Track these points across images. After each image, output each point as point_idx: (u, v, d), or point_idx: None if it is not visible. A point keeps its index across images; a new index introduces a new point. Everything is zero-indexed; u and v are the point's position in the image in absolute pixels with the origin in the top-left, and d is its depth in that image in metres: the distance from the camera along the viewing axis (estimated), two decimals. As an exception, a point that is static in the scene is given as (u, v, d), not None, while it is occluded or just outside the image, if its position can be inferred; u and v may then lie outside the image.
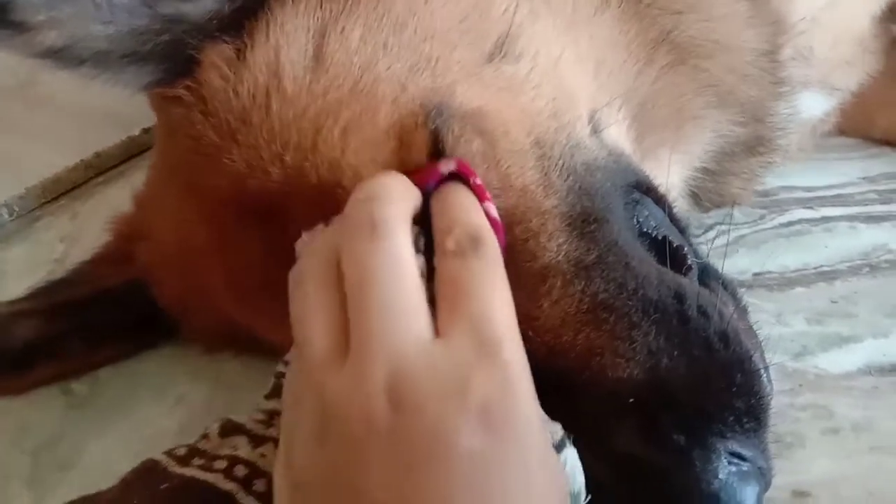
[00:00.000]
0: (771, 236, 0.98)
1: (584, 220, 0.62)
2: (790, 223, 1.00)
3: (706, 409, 0.54)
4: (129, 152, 1.04)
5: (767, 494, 0.65)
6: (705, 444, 0.52)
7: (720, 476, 0.52)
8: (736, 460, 0.53)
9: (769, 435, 0.64)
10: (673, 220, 0.72)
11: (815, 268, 0.92)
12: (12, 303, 0.76)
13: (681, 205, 0.93)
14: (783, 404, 0.74)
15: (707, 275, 0.69)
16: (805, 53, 1.01)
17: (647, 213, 0.68)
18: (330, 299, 0.46)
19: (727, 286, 0.69)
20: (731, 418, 0.54)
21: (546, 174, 0.63)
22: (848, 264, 0.92)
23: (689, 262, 0.66)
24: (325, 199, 0.58)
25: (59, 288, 0.77)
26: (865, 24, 1.07)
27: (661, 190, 0.74)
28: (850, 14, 1.03)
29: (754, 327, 0.68)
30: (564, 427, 0.55)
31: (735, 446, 0.53)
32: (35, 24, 0.54)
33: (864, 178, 1.10)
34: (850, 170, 1.11)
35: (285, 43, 0.60)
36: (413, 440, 0.40)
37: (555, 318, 0.57)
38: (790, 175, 1.08)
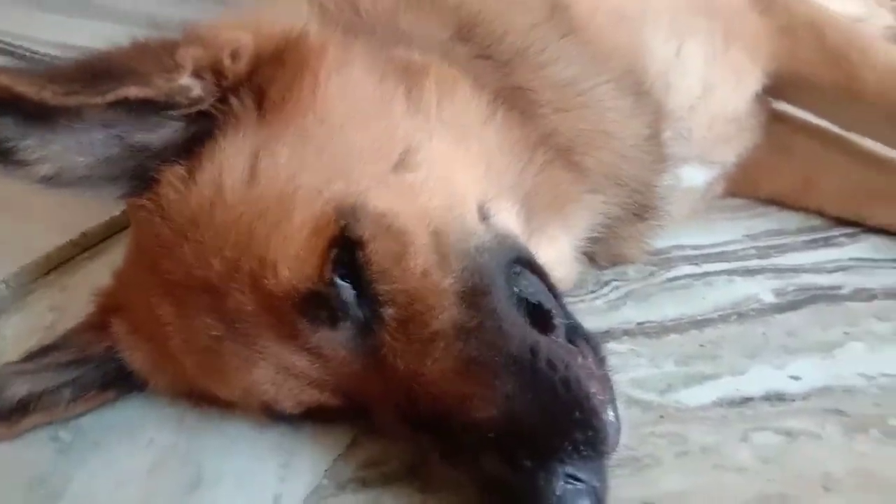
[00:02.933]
0: (657, 290, 1.15)
1: (473, 294, 0.79)
2: (676, 278, 1.17)
3: (549, 441, 0.71)
4: (111, 230, 1.21)
5: (622, 505, 0.81)
6: (547, 467, 0.69)
7: (557, 492, 0.69)
8: (572, 480, 0.70)
9: (619, 459, 0.81)
10: (549, 287, 0.88)
11: (690, 317, 1.09)
12: (8, 364, 0.91)
13: (574, 268, 1.10)
14: (646, 433, 0.91)
15: (574, 332, 0.85)
16: (685, 135, 1.18)
17: (525, 282, 0.85)
18: None
19: (590, 341, 0.85)
20: (570, 447, 0.70)
21: (445, 258, 0.80)
22: (720, 313, 1.09)
23: (556, 322, 0.82)
24: (256, 286, 0.76)
25: (49, 352, 0.92)
26: (740, 107, 1.25)
27: (540, 263, 0.90)
28: (723, 101, 1.21)
29: (609, 373, 0.83)
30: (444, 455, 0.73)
31: (571, 469, 0.70)
32: (32, 160, 0.73)
33: (747, 236, 1.28)
34: (735, 228, 1.29)
35: (227, 164, 0.78)
36: None
37: (436, 373, 0.74)
38: (681, 235, 1.25)
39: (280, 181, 0.77)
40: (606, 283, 1.16)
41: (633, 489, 0.83)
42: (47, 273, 1.16)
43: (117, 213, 1.22)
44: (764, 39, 1.23)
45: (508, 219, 0.91)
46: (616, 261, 1.17)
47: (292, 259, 0.75)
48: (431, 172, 0.84)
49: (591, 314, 1.09)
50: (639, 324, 1.08)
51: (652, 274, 1.18)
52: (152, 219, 0.80)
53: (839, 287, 1.13)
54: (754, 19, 1.24)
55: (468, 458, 0.72)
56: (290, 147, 0.78)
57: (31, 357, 0.92)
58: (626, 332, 1.06)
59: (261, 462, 0.87)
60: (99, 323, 0.93)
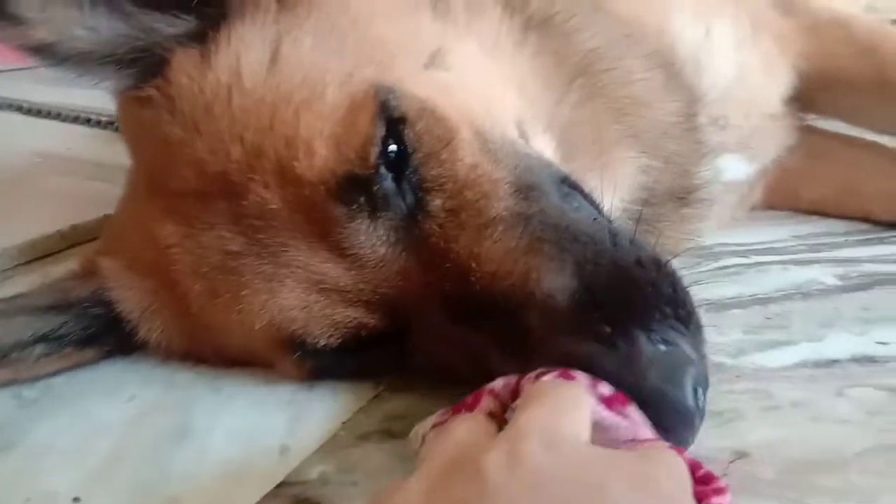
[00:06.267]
0: (707, 277, 1.03)
1: (529, 188, 0.69)
2: (725, 267, 1.06)
3: (634, 304, 0.59)
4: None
5: (706, 455, 0.66)
6: (632, 331, 0.56)
7: (647, 354, 0.55)
8: (662, 343, 0.56)
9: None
10: (600, 211, 0.78)
11: (750, 295, 0.97)
12: None
13: None
14: (723, 391, 0.76)
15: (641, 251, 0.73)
16: (721, 122, 1.12)
17: (577, 204, 0.74)
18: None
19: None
20: (659, 316, 0.58)
21: (494, 154, 0.71)
22: (782, 292, 0.98)
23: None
24: (282, 174, 0.65)
25: (23, 297, 0.79)
26: (774, 102, 1.20)
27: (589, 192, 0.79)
28: (757, 90, 1.16)
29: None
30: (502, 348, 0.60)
31: (671, 335, 0.57)
32: (29, 20, 0.65)
33: (794, 237, 1.18)
34: (780, 231, 1.20)
35: (244, 49, 0.69)
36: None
37: (497, 251, 0.63)
38: (724, 235, 1.15)
39: (305, 65, 0.68)
40: (649, 272, 1.04)
41: (720, 440, 0.68)
42: (30, 262, 1.04)
43: (111, 212, 1.12)
44: (790, 39, 1.20)
45: (545, 149, 0.82)
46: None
47: (329, 137, 0.64)
48: (465, 76, 0.76)
49: (638, 296, 0.97)
50: (694, 302, 0.95)
51: (698, 264, 1.07)
52: (159, 116, 0.69)
53: (907, 274, 1.03)
54: (778, 18, 1.22)
55: (534, 346, 0.58)
56: (313, 34, 0.70)
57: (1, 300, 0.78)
58: (681, 308, 0.93)
59: (264, 416, 0.72)
60: (83, 270, 0.80)
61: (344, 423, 0.71)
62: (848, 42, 1.19)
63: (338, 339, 0.68)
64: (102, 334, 0.78)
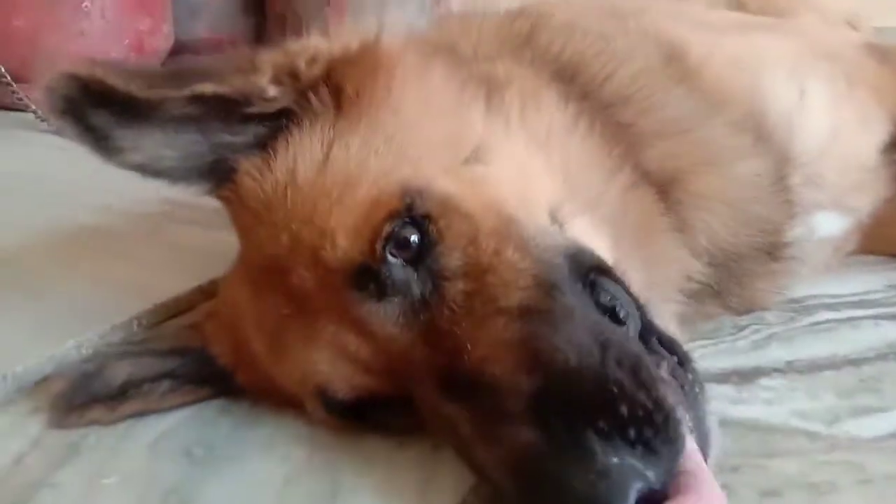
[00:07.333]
0: (800, 333, 1.09)
1: (551, 286, 0.76)
2: (818, 322, 1.11)
3: (591, 412, 0.64)
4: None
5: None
6: (580, 441, 0.63)
7: (598, 466, 0.62)
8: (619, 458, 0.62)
9: (791, 483, 0.76)
10: (629, 293, 0.83)
11: (843, 356, 1.02)
12: (111, 346, 0.97)
13: (681, 306, 1.01)
14: (818, 461, 0.82)
15: (648, 332, 0.80)
16: (816, 181, 1.15)
17: (602, 290, 0.80)
18: None
19: (664, 342, 0.79)
20: (616, 432, 0.63)
21: (523, 244, 0.79)
22: (875, 352, 1.02)
23: (624, 317, 0.78)
24: (315, 260, 0.77)
25: (147, 343, 0.98)
26: (871, 155, 1.22)
27: (619, 274, 0.84)
28: (853, 146, 1.19)
29: (695, 380, 0.76)
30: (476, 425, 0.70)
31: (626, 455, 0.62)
32: (126, 148, 0.81)
33: (888, 286, 1.21)
34: (874, 279, 1.23)
35: (301, 152, 0.82)
36: None
37: (491, 339, 0.72)
38: (817, 286, 1.19)
39: (349, 165, 0.80)
40: (745, 328, 1.10)
41: (816, 515, 0.74)
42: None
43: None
44: (887, 87, 1.22)
45: (585, 233, 0.87)
46: (750, 306, 1.11)
47: (350, 230, 0.76)
48: (503, 169, 0.85)
49: (733, 354, 1.04)
50: (788, 362, 1.01)
51: (792, 319, 1.12)
52: (235, 210, 0.86)
53: None
54: (874, 67, 1.24)
55: (496, 429, 0.67)
56: (361, 136, 0.82)
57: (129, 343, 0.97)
58: (777, 370, 0.99)
59: (400, 476, 0.82)
60: (196, 324, 0.98)
61: (471, 487, 0.80)
62: None
63: (352, 396, 0.80)
64: (213, 379, 0.94)
